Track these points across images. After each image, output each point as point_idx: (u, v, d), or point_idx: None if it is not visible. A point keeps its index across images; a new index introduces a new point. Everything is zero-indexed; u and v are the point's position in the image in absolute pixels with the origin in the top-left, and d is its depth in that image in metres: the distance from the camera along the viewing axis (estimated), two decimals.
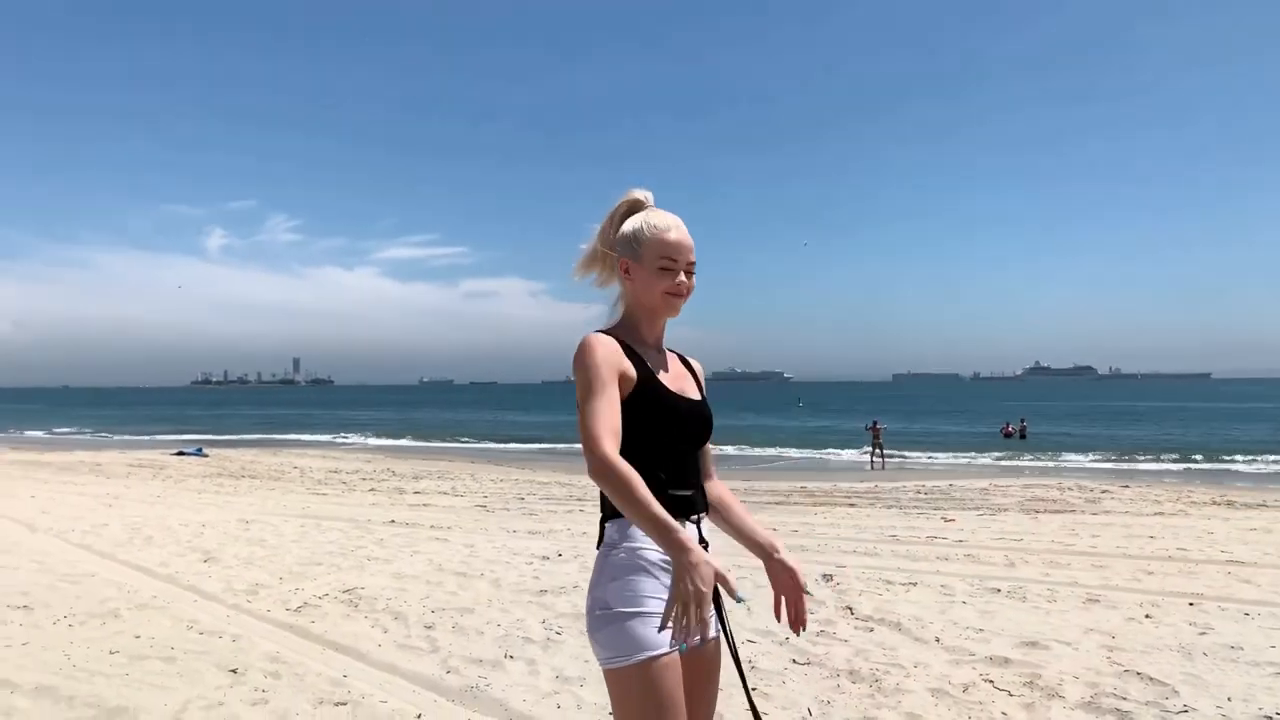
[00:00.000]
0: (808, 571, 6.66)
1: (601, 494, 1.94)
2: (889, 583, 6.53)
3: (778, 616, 2.00)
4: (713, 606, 1.75)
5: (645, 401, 1.93)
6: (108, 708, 3.89)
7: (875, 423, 28.10)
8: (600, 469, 1.76)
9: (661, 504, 1.79)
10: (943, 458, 29.23)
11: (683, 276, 2.00)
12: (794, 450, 32.52)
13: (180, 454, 26.51)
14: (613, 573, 1.90)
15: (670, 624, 1.67)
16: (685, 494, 1.99)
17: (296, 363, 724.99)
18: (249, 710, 3.89)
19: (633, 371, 1.94)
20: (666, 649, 1.82)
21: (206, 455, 26.01)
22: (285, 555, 7.77)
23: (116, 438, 41.56)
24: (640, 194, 2.08)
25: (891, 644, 4.88)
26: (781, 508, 12.97)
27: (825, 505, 13.22)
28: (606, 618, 1.87)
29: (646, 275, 2.00)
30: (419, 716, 3.85)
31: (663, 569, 1.88)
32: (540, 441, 37.80)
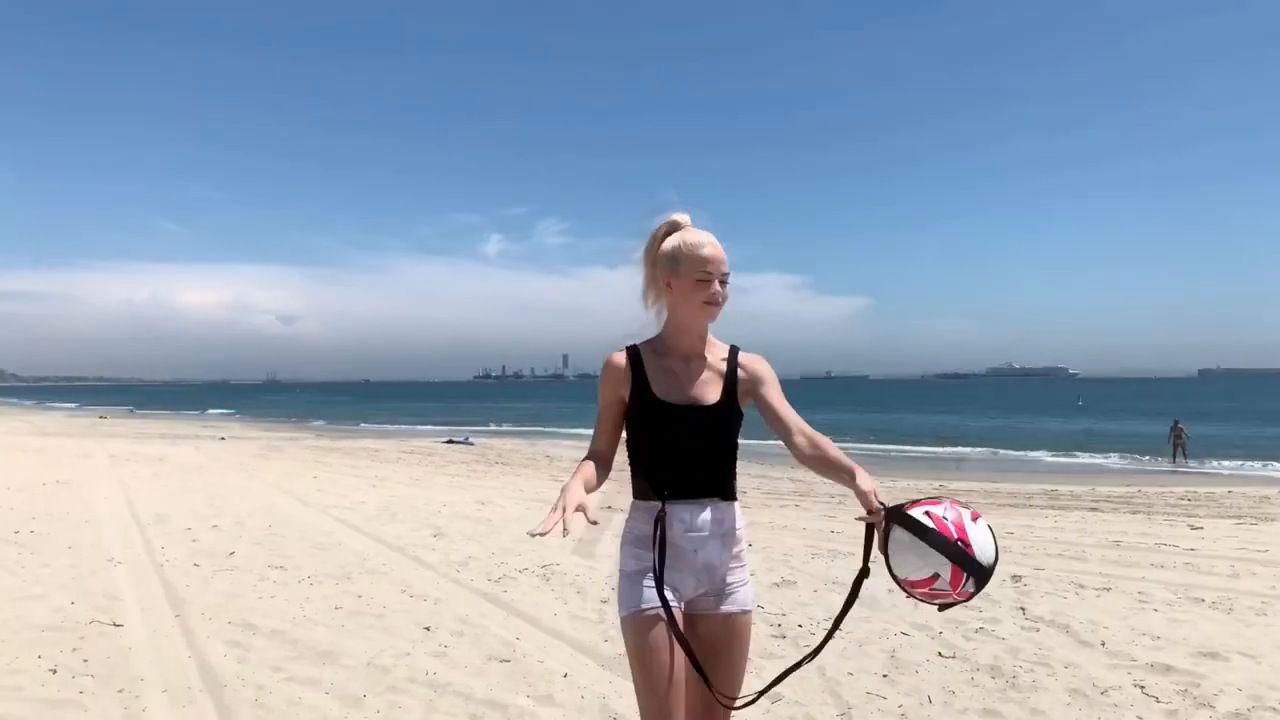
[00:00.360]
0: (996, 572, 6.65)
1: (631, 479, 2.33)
2: (1081, 587, 6.33)
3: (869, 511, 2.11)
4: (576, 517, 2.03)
5: (642, 414, 2.26)
6: (319, 650, 4.64)
7: (1177, 423, 26.33)
8: None
9: (659, 494, 2.22)
10: (1251, 465, 24.43)
11: (717, 286, 2.25)
12: (1047, 454, 29.58)
13: (450, 442, 28.13)
14: (621, 543, 2.30)
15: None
16: (683, 484, 2.24)
17: (565, 359, 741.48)
18: (429, 660, 4.50)
19: (631, 388, 2.28)
20: (647, 605, 2.15)
21: (473, 444, 27.50)
22: (502, 533, 8.56)
23: (398, 427, 45.54)
24: (678, 216, 2.34)
25: (1050, 644, 4.81)
26: (1015, 509, 12.54)
27: (1064, 509, 12.57)
28: (618, 578, 2.27)
29: (685, 288, 2.25)
30: (565, 675, 4.28)
31: (644, 543, 2.22)
32: (778, 438, 36.84)
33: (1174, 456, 25.30)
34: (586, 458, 2.27)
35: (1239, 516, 11.55)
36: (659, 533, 2.18)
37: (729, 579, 2.26)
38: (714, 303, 2.26)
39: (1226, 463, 25.01)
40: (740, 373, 2.35)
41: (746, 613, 2.27)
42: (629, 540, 2.26)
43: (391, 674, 4.28)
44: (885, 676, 4.26)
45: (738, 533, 2.30)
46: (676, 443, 2.24)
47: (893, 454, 29.94)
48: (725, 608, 2.24)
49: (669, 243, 2.30)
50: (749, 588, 2.30)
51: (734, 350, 2.39)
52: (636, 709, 2.14)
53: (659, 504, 2.22)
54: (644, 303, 2.40)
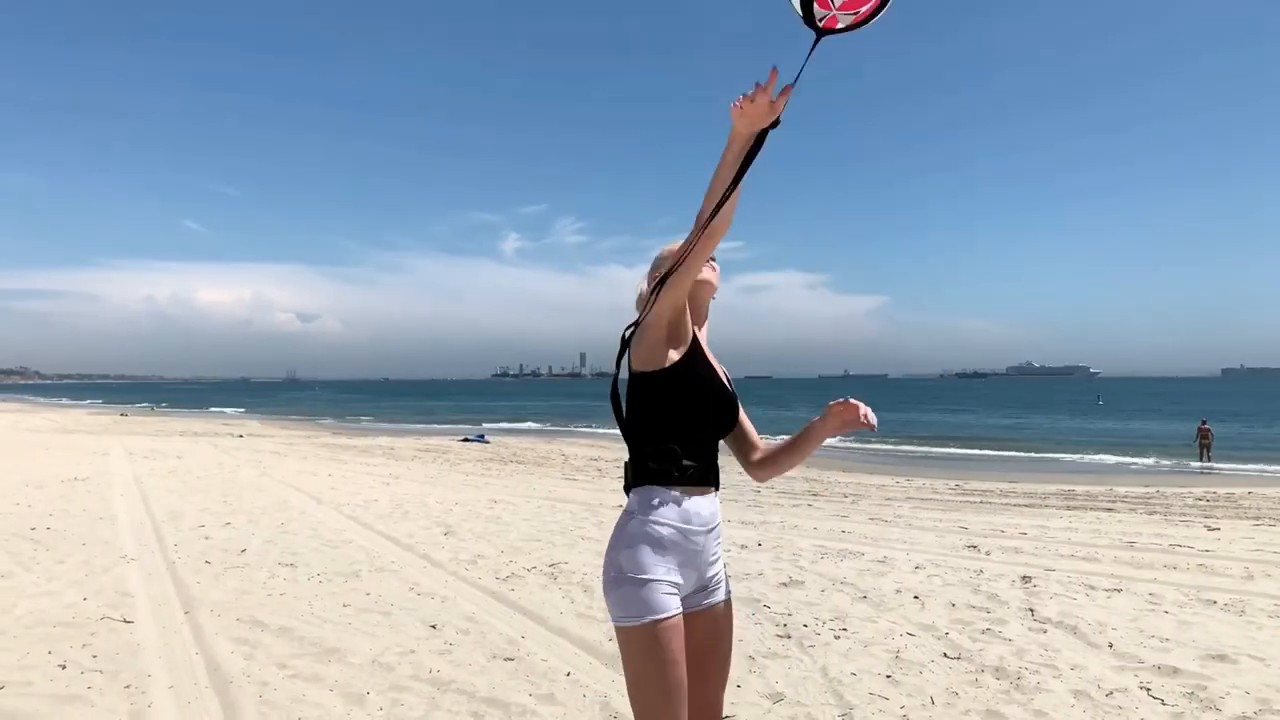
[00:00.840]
0: (1005, 573, 6.80)
1: (625, 466, 2.22)
2: (1091, 588, 6.28)
3: (858, 422, 2.21)
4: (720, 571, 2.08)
5: (691, 372, 2.16)
6: (326, 647, 4.67)
7: (1204, 423, 26.33)
8: (703, 218, 1.96)
9: (678, 472, 2.11)
10: (1273, 467, 23.61)
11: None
12: (1065, 454, 29.08)
13: (466, 440, 28.39)
14: (627, 540, 2.11)
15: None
16: (698, 466, 2.17)
17: (583, 357, 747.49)
18: (434, 659, 4.51)
19: (690, 333, 2.17)
20: (670, 613, 2.04)
21: (488, 442, 27.70)
22: (512, 532, 8.59)
23: (415, 425, 45.77)
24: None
25: (1057, 646, 4.78)
26: (1030, 509, 12.43)
27: (1079, 509, 12.48)
28: (619, 580, 2.08)
29: None
30: (568, 674, 4.29)
31: (672, 541, 2.10)
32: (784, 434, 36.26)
33: (1201, 456, 25.10)
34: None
35: (1258, 518, 11.45)
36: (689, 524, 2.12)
37: (714, 572, 2.24)
38: (708, 279, 2.29)
39: (1249, 466, 24.51)
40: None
41: (729, 599, 2.28)
42: (650, 539, 2.09)
43: (395, 671, 4.30)
44: (889, 677, 4.25)
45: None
46: (711, 426, 2.21)
47: (910, 454, 29.84)
48: (710, 600, 2.23)
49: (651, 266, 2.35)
50: (726, 577, 2.31)
51: None
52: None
53: (705, 491, 2.18)
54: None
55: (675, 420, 2.14)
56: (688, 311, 2.15)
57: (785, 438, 2.36)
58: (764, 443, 2.38)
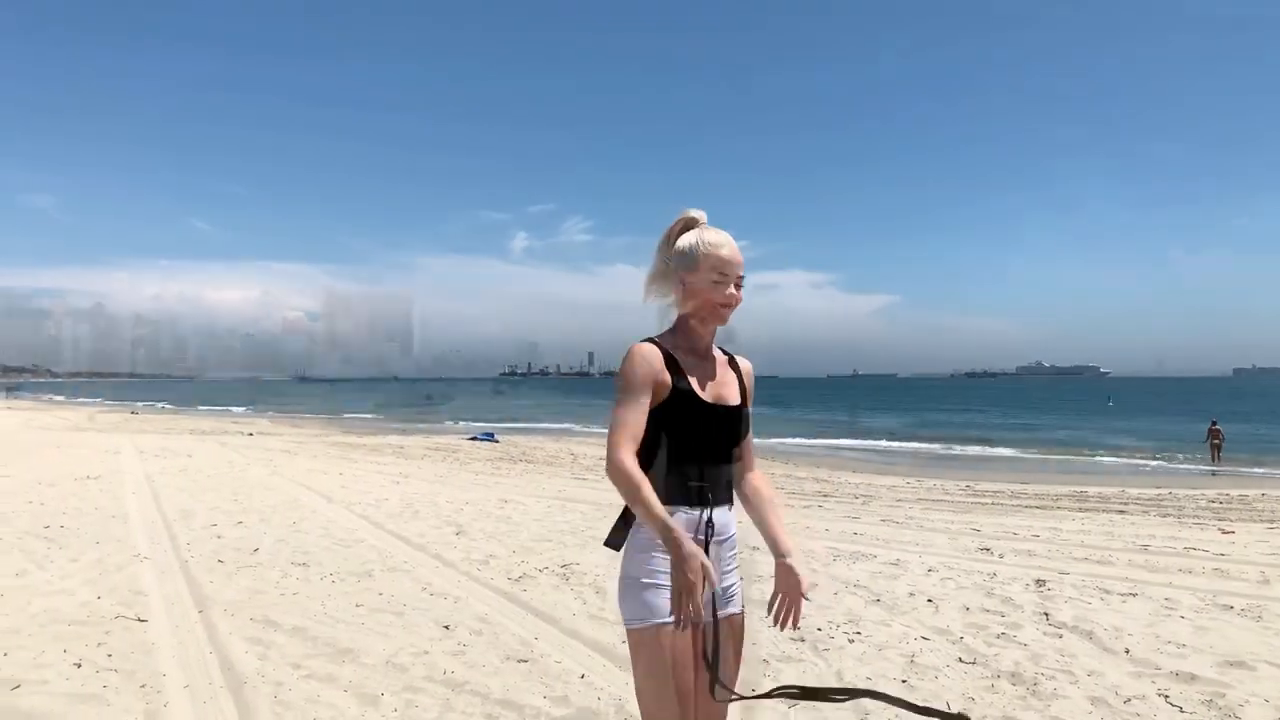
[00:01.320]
0: (1019, 576, 6.78)
1: None
2: (1106, 592, 6.24)
3: (769, 610, 2.26)
4: (712, 592, 2.03)
5: (678, 408, 2.16)
6: (340, 648, 4.67)
7: (1214, 423, 26.28)
8: (614, 471, 2.04)
9: (682, 492, 2.14)
10: None
11: (733, 289, 2.23)
12: (1076, 455, 28.82)
13: (475, 439, 28.52)
14: (638, 546, 2.18)
15: (677, 611, 1.95)
16: (703, 485, 2.19)
17: (591, 356, 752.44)
18: (448, 660, 4.51)
19: (669, 380, 2.17)
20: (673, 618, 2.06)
21: (497, 441, 27.82)
22: (523, 532, 8.58)
23: (424, 423, 45.58)
24: (694, 213, 2.29)
25: (1073, 651, 4.75)
26: (1042, 511, 12.39)
27: (1091, 511, 12.43)
28: (629, 585, 2.16)
29: (701, 287, 2.22)
30: (582, 676, 4.29)
31: None
32: (804, 436, 36.57)
33: (1212, 457, 25.02)
34: (634, 460, 2.06)
35: (1272, 521, 11.36)
36: (707, 541, 2.16)
37: (729, 583, 2.28)
38: (729, 305, 2.23)
39: (1261, 468, 24.08)
40: (744, 379, 2.38)
41: (742, 611, 2.32)
42: (649, 547, 2.13)
43: (409, 672, 4.30)
44: (904, 681, 4.24)
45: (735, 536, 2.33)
46: (714, 443, 2.22)
47: (919, 453, 29.78)
48: (725, 611, 2.25)
49: (686, 239, 2.26)
50: (741, 586, 2.34)
51: (728, 353, 2.40)
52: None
53: (702, 510, 2.18)
54: (644, 293, 2.35)
55: (685, 445, 2.17)
56: (650, 385, 2.14)
57: (766, 508, 2.36)
58: (758, 476, 2.42)
